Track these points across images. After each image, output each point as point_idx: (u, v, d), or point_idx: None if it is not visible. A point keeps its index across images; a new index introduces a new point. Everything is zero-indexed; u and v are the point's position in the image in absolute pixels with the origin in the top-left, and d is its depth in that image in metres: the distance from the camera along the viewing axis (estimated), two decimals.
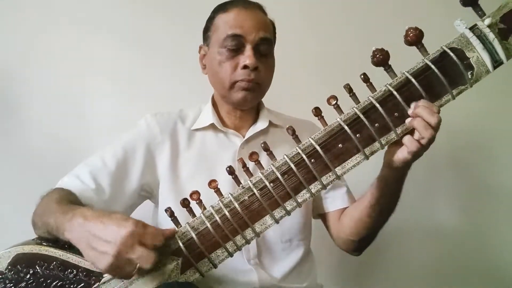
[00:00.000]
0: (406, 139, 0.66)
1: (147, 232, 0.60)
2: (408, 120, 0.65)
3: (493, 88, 1.20)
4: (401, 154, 0.68)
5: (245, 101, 0.90)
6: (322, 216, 0.99)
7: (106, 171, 0.84)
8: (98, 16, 1.29)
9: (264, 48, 0.88)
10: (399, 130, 0.66)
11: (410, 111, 0.65)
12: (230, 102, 0.93)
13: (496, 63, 0.65)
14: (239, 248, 0.67)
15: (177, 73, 1.31)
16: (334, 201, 0.96)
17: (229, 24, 0.88)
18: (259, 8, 0.92)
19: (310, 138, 0.67)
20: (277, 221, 0.67)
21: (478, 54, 0.65)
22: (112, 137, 0.91)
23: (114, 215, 0.62)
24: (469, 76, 0.65)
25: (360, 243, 0.91)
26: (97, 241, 0.59)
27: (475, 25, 0.65)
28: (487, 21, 0.65)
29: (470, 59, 0.65)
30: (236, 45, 0.87)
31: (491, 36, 0.64)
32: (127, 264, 0.59)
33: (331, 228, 0.97)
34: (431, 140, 0.65)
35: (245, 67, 0.86)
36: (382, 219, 0.85)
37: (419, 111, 0.64)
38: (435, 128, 0.64)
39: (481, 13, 0.66)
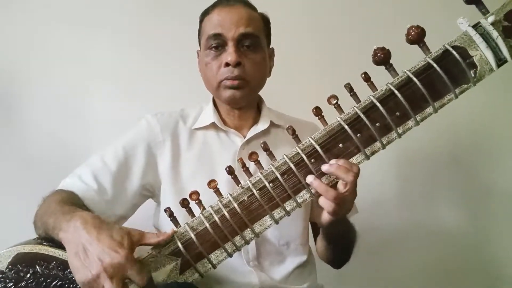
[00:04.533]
0: (321, 201, 0.66)
1: (133, 269, 0.58)
2: (309, 180, 0.65)
3: (497, 87, 1.18)
4: (326, 216, 0.69)
5: (234, 99, 0.89)
6: (314, 225, 0.99)
7: (108, 171, 0.84)
8: (99, 17, 1.30)
9: (249, 43, 0.87)
10: (400, 129, 0.65)
11: (324, 168, 0.64)
12: (222, 101, 0.93)
13: (500, 61, 0.64)
14: (238, 249, 0.67)
15: (177, 73, 1.30)
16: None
17: (211, 24, 0.88)
18: (243, 3, 0.91)
19: (310, 138, 0.66)
20: (276, 222, 0.67)
21: (482, 52, 0.64)
22: (113, 137, 0.91)
23: (114, 232, 0.61)
24: (472, 75, 0.64)
25: (332, 265, 0.97)
26: (85, 253, 0.59)
27: (478, 23, 0.64)
28: (491, 18, 0.63)
29: (473, 57, 0.64)
30: (219, 44, 0.87)
31: (494, 34, 0.63)
32: None
33: (316, 239, 0.99)
34: (345, 199, 0.65)
35: (226, 64, 0.86)
36: (340, 255, 0.92)
37: (333, 169, 0.63)
38: (349, 188, 0.64)
39: (484, 11, 0.65)
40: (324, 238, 0.87)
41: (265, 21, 0.94)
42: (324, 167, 0.64)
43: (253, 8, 0.92)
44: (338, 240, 0.85)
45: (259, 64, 0.90)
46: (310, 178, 0.65)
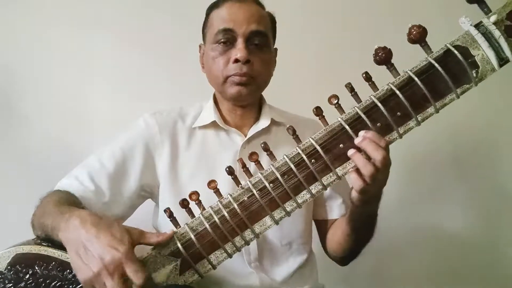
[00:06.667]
0: (352, 177, 0.65)
1: (132, 267, 0.58)
2: (350, 153, 0.63)
3: (498, 86, 1.18)
4: (353, 193, 0.68)
5: (240, 96, 0.88)
6: (317, 222, 0.99)
7: (105, 172, 0.83)
8: (99, 16, 1.30)
9: (258, 41, 0.87)
10: (401, 130, 0.65)
11: (356, 141, 0.63)
12: (226, 98, 0.91)
13: (502, 61, 0.64)
14: (238, 249, 0.67)
15: (177, 73, 1.30)
16: (331, 210, 0.95)
17: (221, 19, 0.87)
18: (254, 1, 0.90)
19: (310, 138, 0.66)
20: (276, 222, 0.66)
21: (484, 52, 0.63)
22: (112, 137, 0.91)
23: (113, 230, 0.61)
24: (474, 75, 0.63)
25: (343, 259, 0.94)
26: (85, 251, 0.59)
27: (481, 22, 0.64)
28: (493, 18, 0.63)
29: (475, 57, 0.63)
30: (228, 39, 0.86)
31: (497, 33, 0.63)
32: (101, 287, 0.58)
33: (323, 236, 0.98)
34: (375, 177, 0.63)
35: (236, 60, 0.84)
36: (360, 243, 0.88)
37: (364, 144, 0.62)
38: (378, 166, 0.62)
39: (486, 10, 0.64)
40: (350, 221, 0.81)
41: (272, 21, 0.94)
42: (356, 140, 0.63)
43: (262, 6, 0.92)
44: (363, 224, 0.81)
45: (267, 62, 0.90)
46: (351, 151, 0.63)
